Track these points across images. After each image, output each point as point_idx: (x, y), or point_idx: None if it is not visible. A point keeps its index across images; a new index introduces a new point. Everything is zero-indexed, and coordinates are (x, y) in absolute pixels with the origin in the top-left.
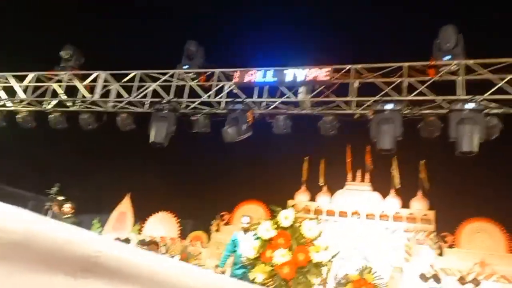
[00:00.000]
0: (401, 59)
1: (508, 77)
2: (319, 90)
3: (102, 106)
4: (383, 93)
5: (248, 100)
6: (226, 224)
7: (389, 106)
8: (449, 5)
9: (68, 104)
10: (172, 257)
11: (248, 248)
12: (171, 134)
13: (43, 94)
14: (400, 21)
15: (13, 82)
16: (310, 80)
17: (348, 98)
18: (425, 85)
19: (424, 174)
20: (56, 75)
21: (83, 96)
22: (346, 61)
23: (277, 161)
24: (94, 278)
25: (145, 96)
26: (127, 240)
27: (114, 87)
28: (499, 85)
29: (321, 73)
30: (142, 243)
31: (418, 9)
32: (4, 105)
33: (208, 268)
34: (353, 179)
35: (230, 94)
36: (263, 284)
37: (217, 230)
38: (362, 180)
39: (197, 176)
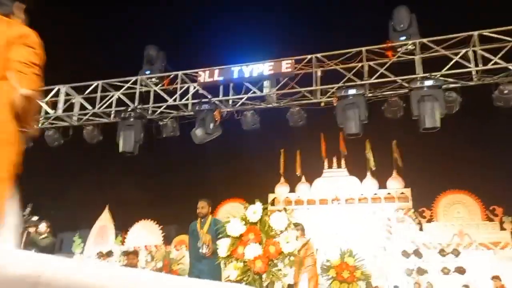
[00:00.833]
0: (360, 44)
1: (463, 51)
2: (283, 82)
3: (66, 120)
4: (345, 79)
5: (214, 99)
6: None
7: (352, 91)
8: None
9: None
10: (156, 265)
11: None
12: (139, 141)
13: None
14: (355, 6)
15: None
16: (274, 73)
17: (312, 88)
18: (384, 67)
19: (396, 154)
20: None
21: (46, 113)
22: (307, 51)
23: (253, 157)
24: None
25: (109, 106)
26: (110, 253)
27: (77, 100)
28: (455, 60)
29: (284, 66)
30: (125, 253)
31: None
32: None
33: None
34: (330, 166)
35: (195, 95)
36: (237, 281)
37: None
38: (339, 166)
39: (175, 180)
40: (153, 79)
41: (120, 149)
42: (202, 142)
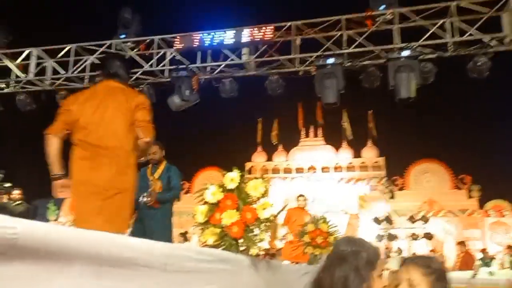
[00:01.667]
0: (341, 12)
1: (440, 22)
2: (262, 49)
3: (38, 85)
4: (324, 48)
5: (191, 66)
6: (186, 193)
7: (330, 61)
8: None
9: (2, 86)
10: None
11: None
12: None
13: None
14: None
15: None
16: (253, 41)
17: (291, 56)
18: (363, 37)
19: (372, 124)
20: None
21: (17, 76)
22: (287, 18)
23: (231, 126)
24: (13, 260)
25: (83, 70)
26: None
27: (49, 63)
28: (432, 30)
29: (263, 33)
30: None
31: None
32: None
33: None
34: (307, 136)
35: (172, 61)
36: (214, 246)
37: (178, 200)
38: (315, 135)
39: None
40: (129, 44)
41: None
42: (179, 110)
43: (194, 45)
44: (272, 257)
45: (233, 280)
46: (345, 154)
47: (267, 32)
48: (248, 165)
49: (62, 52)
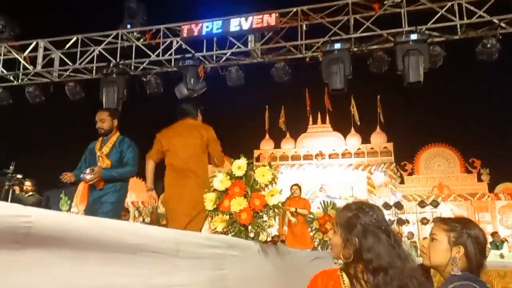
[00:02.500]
0: None
1: (449, 4)
2: (268, 36)
3: (47, 77)
4: (331, 33)
5: (198, 54)
6: None
7: (337, 46)
8: None
9: (11, 78)
10: (143, 220)
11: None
12: (123, 98)
13: None
14: None
15: None
16: (258, 28)
17: (297, 42)
18: (370, 21)
19: (380, 109)
20: None
21: (25, 68)
22: (292, 3)
23: (238, 113)
24: (27, 248)
25: (91, 61)
26: None
27: (56, 55)
28: (440, 13)
29: (269, 19)
30: None
31: None
32: None
33: None
34: (314, 122)
35: (179, 50)
36: (223, 232)
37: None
38: (323, 121)
39: None
40: (135, 33)
41: (104, 106)
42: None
43: (200, 34)
44: (282, 242)
45: (242, 265)
46: (353, 140)
47: (272, 18)
48: (256, 152)
49: (69, 44)
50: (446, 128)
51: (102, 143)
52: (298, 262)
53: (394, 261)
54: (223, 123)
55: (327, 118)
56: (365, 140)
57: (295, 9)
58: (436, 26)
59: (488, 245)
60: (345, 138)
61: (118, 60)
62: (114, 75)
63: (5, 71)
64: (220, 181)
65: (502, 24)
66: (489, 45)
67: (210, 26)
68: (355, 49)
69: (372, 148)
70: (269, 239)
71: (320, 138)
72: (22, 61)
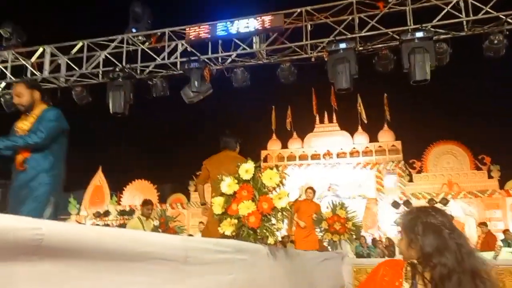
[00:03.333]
0: None
1: (454, 1)
2: (273, 37)
3: (54, 82)
4: (336, 32)
5: (203, 57)
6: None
7: (343, 45)
8: None
9: None
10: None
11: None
12: (129, 102)
13: None
14: None
15: None
16: (263, 29)
17: (302, 43)
18: (375, 19)
19: (387, 107)
20: None
21: (32, 74)
22: (297, 4)
23: (244, 114)
24: (39, 261)
25: (97, 66)
26: (107, 213)
27: (63, 60)
28: (446, 10)
29: (273, 20)
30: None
31: None
32: None
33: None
34: (321, 121)
35: (184, 53)
36: (232, 236)
37: (195, 190)
38: (330, 121)
39: (167, 140)
40: (140, 37)
41: (110, 110)
42: (193, 101)
43: (205, 36)
44: (292, 243)
45: (252, 270)
46: (361, 139)
47: (277, 19)
48: (263, 153)
49: (75, 49)
50: (454, 125)
51: (24, 120)
52: (307, 264)
53: (461, 259)
54: (230, 125)
55: (334, 117)
56: (373, 138)
57: (299, 10)
58: (442, 23)
59: (500, 243)
60: (352, 137)
61: (124, 64)
62: (120, 79)
63: (13, 78)
64: (228, 185)
65: (509, 20)
66: (496, 41)
67: (215, 28)
68: (361, 48)
69: (380, 147)
70: (279, 239)
71: (328, 137)
72: (30, 67)
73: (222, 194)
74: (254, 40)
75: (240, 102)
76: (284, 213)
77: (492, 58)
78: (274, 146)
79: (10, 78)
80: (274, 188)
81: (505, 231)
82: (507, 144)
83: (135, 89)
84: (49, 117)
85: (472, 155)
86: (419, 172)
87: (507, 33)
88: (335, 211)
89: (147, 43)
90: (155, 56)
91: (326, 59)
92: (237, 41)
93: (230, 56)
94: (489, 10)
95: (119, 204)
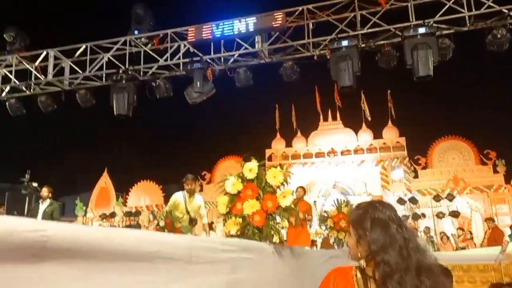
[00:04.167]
0: None
1: None
2: (275, 36)
3: (58, 85)
4: (337, 30)
5: (205, 57)
6: (208, 183)
7: (345, 43)
8: None
9: (23, 88)
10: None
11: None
12: (133, 104)
13: None
14: None
15: None
16: (265, 28)
17: (304, 41)
18: (377, 16)
19: (391, 104)
20: (3, 60)
21: (36, 78)
22: (298, 2)
23: (248, 114)
24: (44, 262)
25: (100, 68)
26: (113, 214)
27: (66, 64)
28: (448, 5)
29: (275, 19)
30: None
31: None
32: None
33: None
34: (325, 119)
35: (186, 54)
36: (237, 235)
37: (201, 190)
38: (334, 118)
39: (171, 140)
40: (142, 39)
41: (115, 112)
42: (196, 102)
43: (207, 37)
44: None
45: (257, 268)
46: (365, 136)
47: (278, 18)
48: (268, 152)
49: (78, 52)
50: (458, 120)
51: None
52: (312, 262)
53: (406, 255)
54: (234, 124)
55: (338, 115)
56: (377, 135)
57: (301, 8)
58: (444, 18)
59: (507, 238)
60: (356, 134)
61: (127, 66)
62: (123, 81)
63: (17, 82)
64: (232, 184)
65: None
66: (499, 36)
67: (217, 29)
68: (363, 45)
69: (384, 143)
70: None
71: (332, 135)
72: (34, 71)
73: (226, 193)
74: (256, 40)
75: (243, 102)
76: (288, 211)
77: (495, 52)
78: (278, 145)
79: (15, 82)
80: (278, 187)
81: None
82: None
83: (139, 90)
84: None
85: (477, 150)
86: (424, 168)
87: (510, 27)
88: (340, 209)
89: (149, 45)
90: (158, 58)
91: (328, 57)
92: (239, 40)
93: (232, 56)
94: (491, 4)
95: (125, 205)
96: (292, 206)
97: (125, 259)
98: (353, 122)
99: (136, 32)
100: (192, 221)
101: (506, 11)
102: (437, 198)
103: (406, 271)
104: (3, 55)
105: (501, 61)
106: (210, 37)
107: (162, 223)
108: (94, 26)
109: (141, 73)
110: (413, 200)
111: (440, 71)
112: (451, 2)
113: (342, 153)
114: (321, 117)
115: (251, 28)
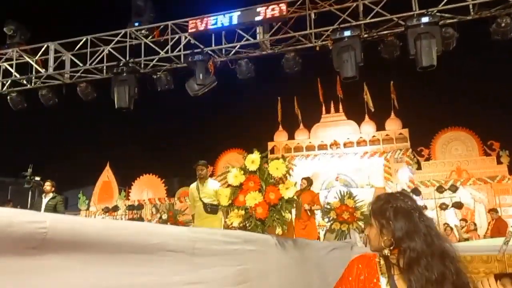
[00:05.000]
0: None
1: None
2: (276, 27)
3: (58, 79)
4: (340, 20)
5: (206, 49)
6: (211, 176)
7: (347, 33)
8: None
9: (24, 82)
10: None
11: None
12: (134, 96)
13: None
14: None
15: None
16: (266, 19)
17: (306, 32)
18: (380, 6)
19: (394, 95)
20: (4, 54)
21: (37, 71)
22: None
23: (250, 106)
24: (44, 254)
25: (101, 61)
26: (115, 208)
27: (67, 57)
28: None
29: (276, 10)
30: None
31: None
32: None
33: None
34: (328, 111)
35: (187, 46)
36: (240, 228)
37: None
38: (336, 110)
39: (173, 134)
40: (143, 31)
41: (116, 105)
42: (198, 94)
43: (208, 28)
44: None
45: (260, 260)
46: (368, 128)
47: (280, 8)
48: (270, 144)
49: (79, 45)
50: (462, 111)
51: None
52: (315, 253)
53: (430, 241)
54: (236, 117)
55: (340, 107)
56: (380, 127)
57: None
58: (448, 7)
59: (510, 228)
60: (359, 126)
61: (127, 58)
62: (124, 74)
63: (18, 75)
64: (234, 176)
65: None
66: (503, 24)
67: (218, 20)
68: (365, 35)
69: (387, 135)
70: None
71: (334, 127)
72: (34, 65)
73: (228, 185)
74: (257, 31)
75: (245, 94)
76: (291, 203)
77: (499, 41)
78: (280, 137)
79: (15, 75)
80: (281, 179)
81: None
82: None
83: (140, 83)
84: None
85: (480, 141)
86: (428, 159)
87: None
88: (343, 201)
89: (150, 37)
90: (159, 50)
91: (331, 47)
92: (240, 32)
93: (234, 47)
94: None
95: (128, 199)
96: (295, 198)
97: (127, 251)
98: (355, 114)
99: (136, 24)
100: (207, 208)
101: None
102: (440, 189)
103: (432, 256)
104: (3, 49)
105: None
106: (211, 28)
107: (164, 216)
108: (94, 18)
109: (142, 66)
110: (416, 192)
111: (445, 60)
112: None
113: (345, 145)
114: (324, 109)
115: (253, 19)
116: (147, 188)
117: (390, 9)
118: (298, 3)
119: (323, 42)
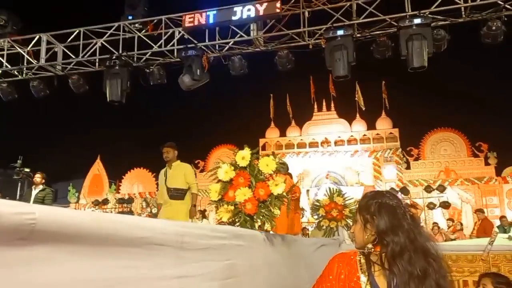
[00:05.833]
0: None
1: None
2: (270, 25)
3: (50, 70)
4: (333, 19)
5: (200, 44)
6: (202, 171)
7: (340, 32)
8: None
9: (15, 72)
10: (151, 210)
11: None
12: (126, 90)
13: None
14: None
15: None
16: (260, 16)
17: (300, 30)
18: (373, 6)
19: (385, 94)
20: None
21: (29, 63)
22: None
23: (242, 103)
24: (33, 245)
25: (93, 54)
26: (105, 201)
27: (59, 48)
28: None
29: (270, 7)
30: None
31: None
32: None
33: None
34: (319, 109)
35: (181, 40)
36: (229, 223)
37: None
38: (328, 108)
39: (164, 128)
40: (136, 25)
41: (108, 98)
42: (190, 89)
43: (202, 23)
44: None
45: (248, 255)
46: (358, 126)
47: (274, 6)
48: (262, 141)
49: (71, 37)
50: (452, 112)
51: None
52: (304, 250)
53: (413, 237)
54: (228, 113)
55: (332, 105)
56: (371, 126)
57: None
58: (440, 9)
59: (496, 229)
60: (350, 125)
61: (120, 52)
62: (117, 67)
63: (9, 66)
64: (224, 172)
65: (507, 6)
66: (494, 28)
67: (212, 15)
68: (358, 35)
69: (377, 134)
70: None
71: (326, 125)
72: (26, 56)
73: (219, 181)
74: (251, 27)
75: (238, 90)
76: (280, 199)
77: (490, 44)
78: (272, 134)
79: (6, 66)
80: (270, 175)
81: (502, 217)
82: (504, 131)
83: (132, 77)
84: None
85: (469, 142)
86: (417, 159)
87: (505, 19)
88: (333, 198)
89: (143, 31)
90: (152, 44)
91: (323, 46)
92: (234, 28)
93: (227, 43)
94: None
95: (118, 192)
96: (284, 194)
97: (115, 244)
98: (347, 113)
99: (130, 17)
100: (170, 193)
101: (502, 2)
102: (428, 189)
103: (415, 252)
104: None
105: (495, 53)
106: (205, 23)
107: (154, 210)
108: (88, 10)
109: (135, 59)
110: (404, 191)
111: (435, 62)
112: None
113: (335, 143)
114: (315, 107)
115: (247, 16)
116: (138, 181)
117: (383, 10)
118: (292, 1)
119: (316, 41)
